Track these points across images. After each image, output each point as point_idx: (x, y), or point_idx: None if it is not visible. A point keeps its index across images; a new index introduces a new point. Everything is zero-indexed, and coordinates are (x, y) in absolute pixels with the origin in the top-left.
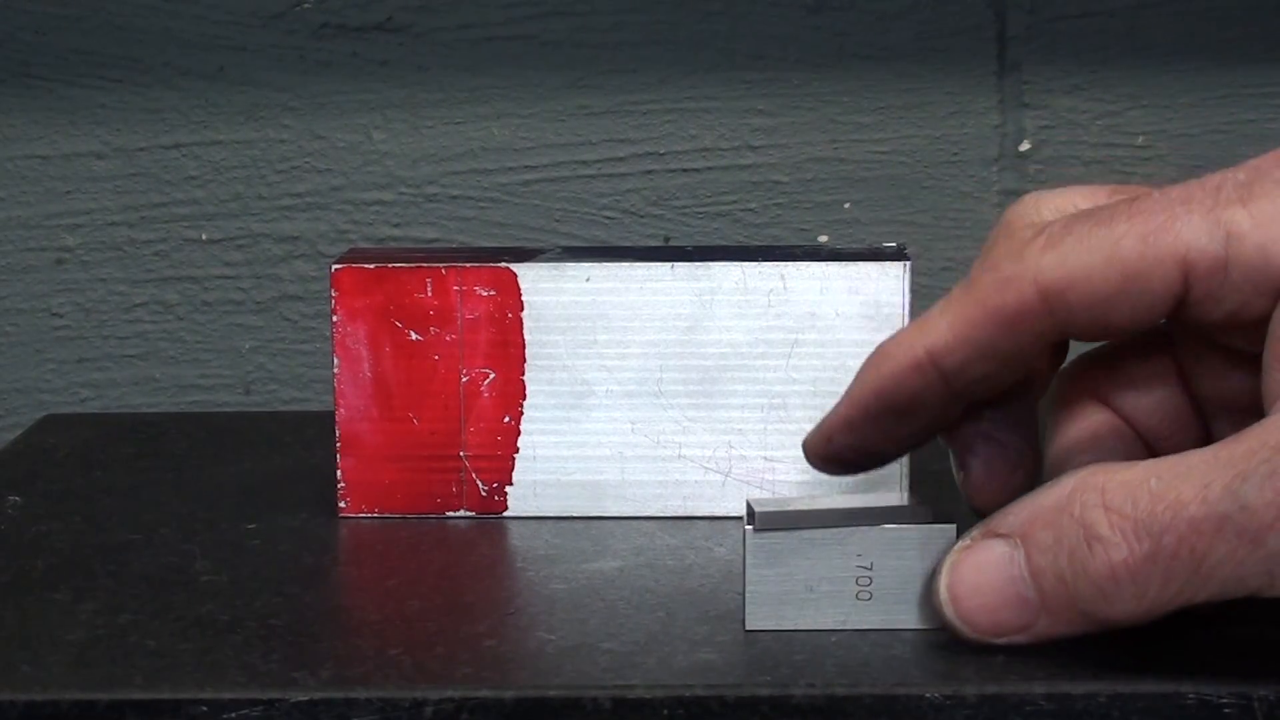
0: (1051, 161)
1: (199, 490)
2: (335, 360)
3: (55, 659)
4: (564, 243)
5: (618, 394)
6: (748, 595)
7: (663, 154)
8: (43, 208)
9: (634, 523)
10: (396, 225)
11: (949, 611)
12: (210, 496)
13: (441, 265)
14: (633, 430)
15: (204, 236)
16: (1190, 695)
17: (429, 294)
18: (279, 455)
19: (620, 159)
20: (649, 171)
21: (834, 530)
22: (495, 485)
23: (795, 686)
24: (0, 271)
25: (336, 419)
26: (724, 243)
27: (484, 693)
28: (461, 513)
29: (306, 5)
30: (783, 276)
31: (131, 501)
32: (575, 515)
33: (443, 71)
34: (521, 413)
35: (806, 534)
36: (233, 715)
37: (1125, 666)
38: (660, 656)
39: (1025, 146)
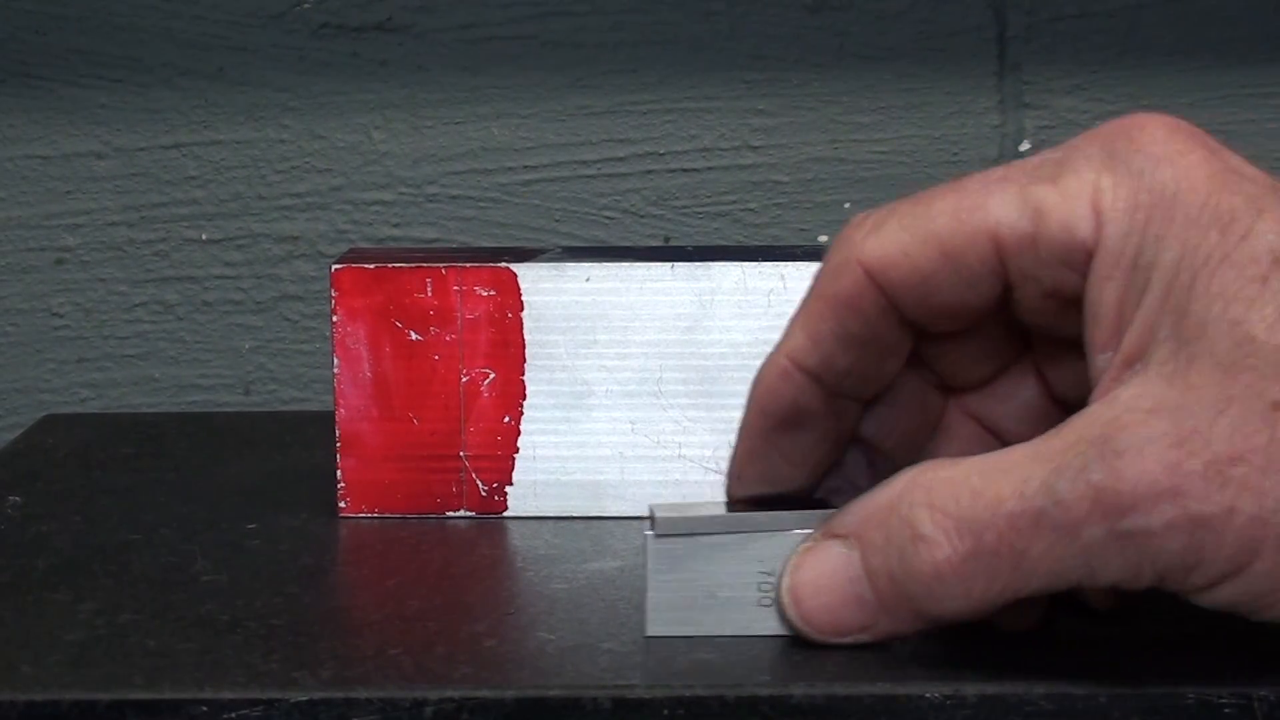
0: None
1: (199, 490)
2: (335, 360)
3: (55, 659)
4: (564, 243)
5: (618, 394)
6: (649, 601)
7: (663, 154)
8: (43, 208)
9: (634, 523)
10: (396, 225)
11: (791, 612)
12: (210, 496)
13: (441, 265)
14: (633, 430)
15: (204, 236)
16: (1190, 695)
17: (429, 294)
18: (279, 455)
19: (620, 159)
20: (649, 171)
21: (734, 536)
22: (495, 485)
23: (795, 686)
24: (0, 271)
25: (336, 419)
26: (724, 243)
27: (484, 693)
28: (461, 513)
29: (306, 5)
30: (783, 276)
31: (131, 501)
32: (575, 515)
33: (443, 71)
34: (521, 413)
35: (707, 540)
36: (233, 715)
37: (1125, 666)
38: (660, 656)
39: (1025, 146)
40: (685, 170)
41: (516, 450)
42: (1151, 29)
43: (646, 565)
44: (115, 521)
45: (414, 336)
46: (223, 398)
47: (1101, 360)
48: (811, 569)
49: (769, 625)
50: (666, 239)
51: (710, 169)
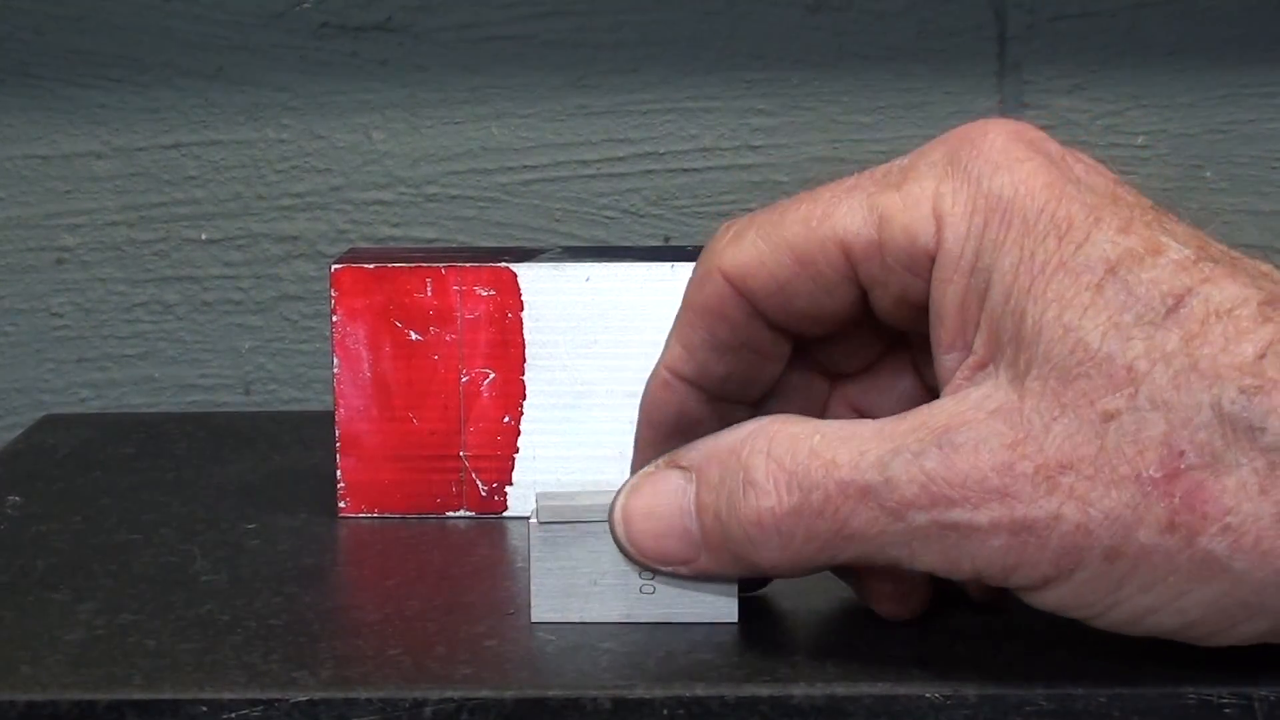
0: None
1: (199, 490)
2: (335, 360)
3: (55, 659)
4: (564, 243)
5: (618, 394)
6: (533, 588)
7: (663, 154)
8: (43, 208)
9: None
10: (396, 225)
11: (619, 531)
12: (210, 496)
13: (441, 265)
14: (633, 430)
15: (204, 236)
16: (1190, 695)
17: (429, 294)
18: (279, 455)
19: (620, 159)
20: (649, 171)
21: None
22: (495, 485)
23: (795, 686)
24: (0, 271)
25: (336, 419)
26: None
27: (484, 693)
28: (461, 513)
29: (306, 5)
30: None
31: (131, 501)
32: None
33: (443, 71)
34: (521, 413)
35: (589, 527)
36: (233, 715)
37: (1125, 666)
38: (660, 656)
39: None
40: (685, 170)
41: (516, 450)
42: (1151, 29)
43: (530, 553)
44: (115, 521)
45: (414, 336)
46: (223, 398)
47: (947, 360)
48: (647, 494)
49: (650, 611)
50: (666, 239)
51: (710, 169)
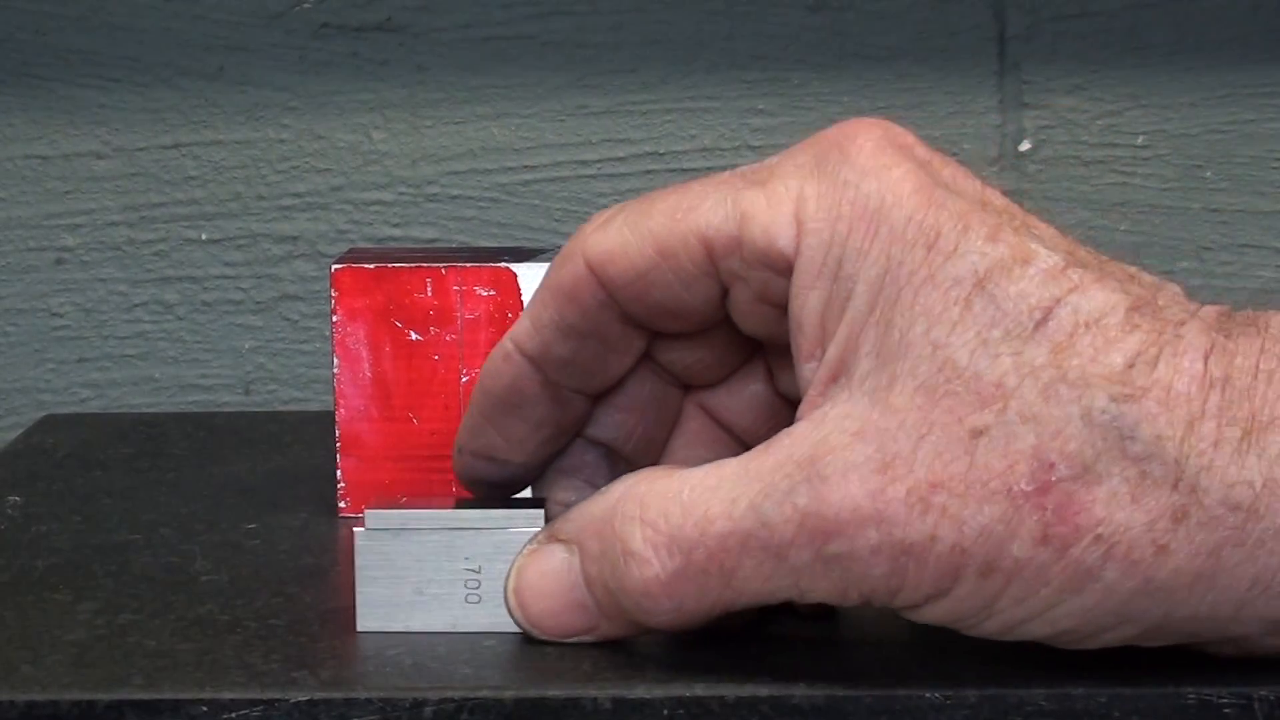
0: (1051, 161)
1: (199, 490)
2: (335, 360)
3: (55, 659)
4: (564, 242)
5: None
6: (358, 597)
7: (663, 154)
8: (43, 208)
9: None
10: (396, 225)
11: (518, 614)
12: (210, 496)
13: (441, 265)
14: None
15: (204, 236)
16: (1190, 695)
17: (429, 294)
18: (279, 455)
19: (620, 159)
20: (649, 171)
21: (441, 533)
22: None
23: (795, 686)
24: (0, 271)
25: (336, 419)
26: None
27: (484, 693)
28: None
29: (306, 5)
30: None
31: (131, 501)
32: None
33: (443, 71)
34: None
35: (414, 536)
36: (233, 715)
37: (1125, 666)
38: (660, 656)
39: (1025, 146)
40: (685, 170)
41: None
42: (1151, 29)
43: (355, 561)
44: (115, 521)
45: (414, 336)
46: (223, 398)
47: (808, 370)
48: (535, 572)
49: (476, 621)
50: None
51: (710, 169)
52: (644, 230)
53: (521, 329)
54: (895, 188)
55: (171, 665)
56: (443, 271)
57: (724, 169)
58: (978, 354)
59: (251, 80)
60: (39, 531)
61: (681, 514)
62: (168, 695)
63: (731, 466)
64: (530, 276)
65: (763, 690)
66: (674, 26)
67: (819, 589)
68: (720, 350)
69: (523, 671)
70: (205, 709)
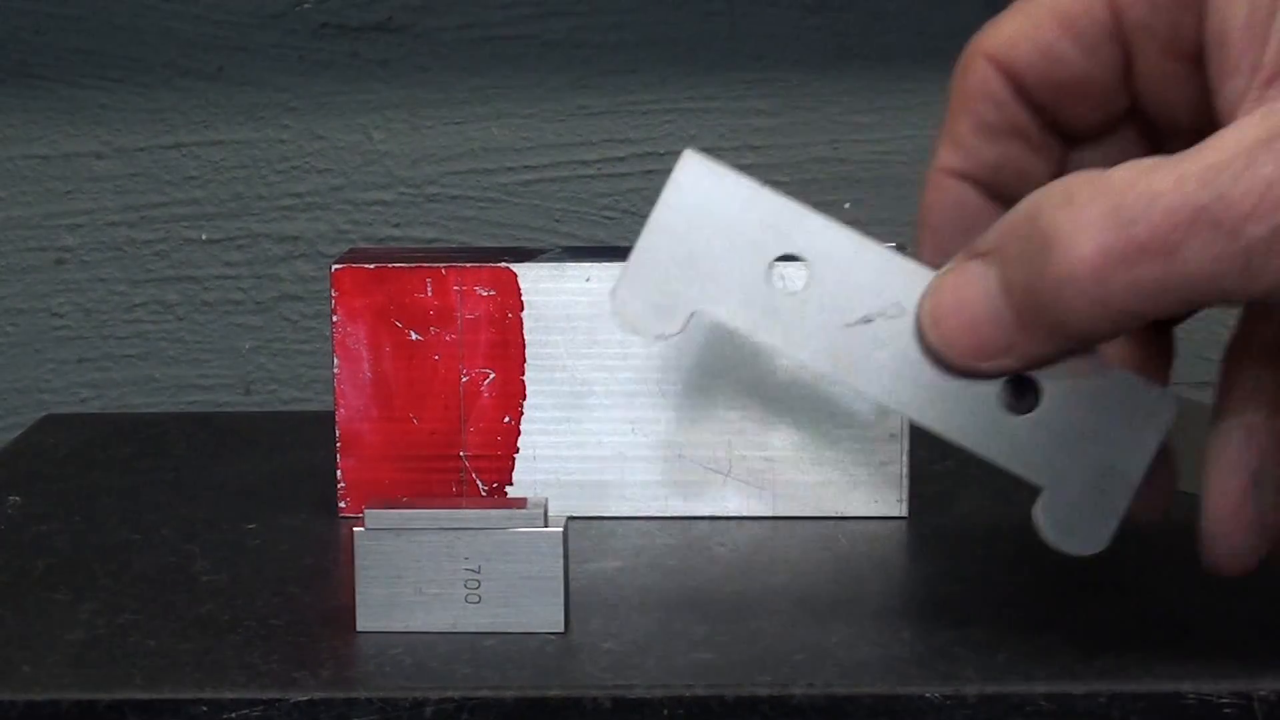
0: None
1: (199, 490)
2: (335, 360)
3: (55, 659)
4: (564, 243)
5: (618, 394)
6: (358, 597)
7: (663, 154)
8: (43, 208)
9: (634, 523)
10: (396, 225)
11: (931, 335)
12: (210, 496)
13: (441, 265)
14: (633, 430)
15: (204, 236)
16: (1190, 695)
17: (429, 294)
18: (279, 455)
19: (620, 159)
20: (649, 171)
21: (441, 533)
22: (495, 485)
23: (795, 686)
24: (0, 271)
25: (336, 419)
26: None
27: (484, 693)
28: None
29: (306, 5)
30: (782, 276)
31: (131, 501)
32: (575, 515)
33: (443, 71)
34: (521, 413)
35: (415, 536)
36: (233, 715)
37: (1125, 666)
38: (660, 656)
39: None
40: None
41: (516, 450)
42: None
43: (355, 561)
44: (115, 521)
45: (414, 336)
46: (223, 398)
47: (1232, 88)
48: (951, 290)
49: (476, 621)
50: None
51: None
52: (1040, 9)
53: (942, 153)
54: None
55: (171, 665)
56: (443, 271)
57: None
58: None
59: (251, 80)
60: (39, 531)
61: (1118, 191)
62: (168, 695)
63: (1164, 157)
64: (530, 276)
65: (763, 690)
66: (674, 26)
67: (1271, 270)
68: (1131, 150)
69: (523, 671)
70: (205, 709)
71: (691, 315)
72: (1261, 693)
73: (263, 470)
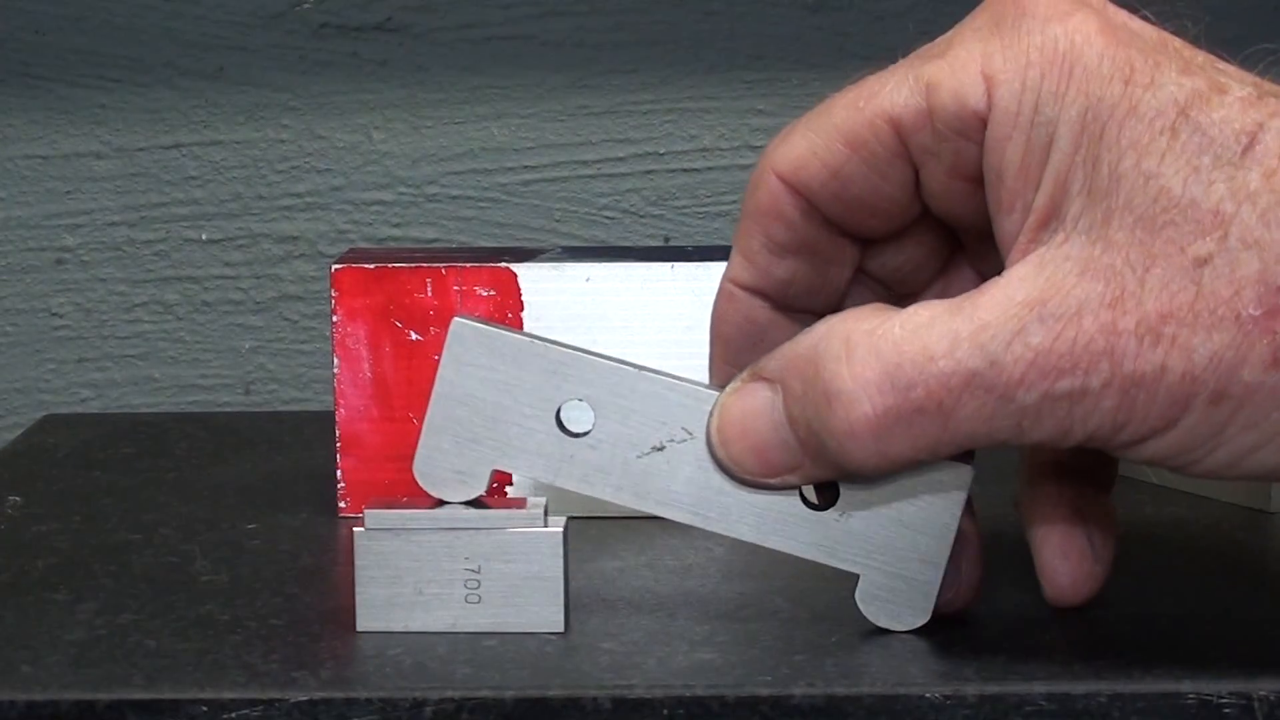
0: None
1: (199, 490)
2: (335, 360)
3: (55, 659)
4: (564, 243)
5: None
6: (358, 597)
7: (663, 154)
8: (43, 208)
9: (634, 523)
10: (396, 225)
11: (719, 453)
12: (210, 496)
13: (441, 265)
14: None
15: (204, 236)
16: (1190, 695)
17: (429, 294)
18: (279, 455)
19: (620, 159)
20: (649, 171)
21: (441, 533)
22: (495, 485)
23: (795, 686)
24: (0, 271)
25: (336, 419)
26: (724, 243)
27: (484, 693)
28: None
29: (306, 5)
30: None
31: (131, 501)
32: (575, 515)
33: (443, 71)
34: None
35: (414, 536)
36: (233, 715)
37: (1125, 666)
38: (660, 656)
39: None
40: (685, 170)
41: None
42: None
43: (355, 561)
44: (115, 521)
45: (414, 336)
46: (223, 398)
47: (1010, 222)
48: (738, 410)
49: (476, 621)
50: (666, 239)
51: (710, 169)
52: (828, 129)
53: (734, 265)
54: (1081, 29)
55: (171, 665)
56: (443, 271)
57: (724, 169)
58: (1191, 182)
59: (251, 80)
60: (39, 531)
61: (895, 352)
62: (168, 695)
63: (942, 307)
64: (530, 276)
65: (763, 690)
66: (674, 26)
67: (1040, 430)
68: (926, 246)
69: (523, 671)
70: (205, 709)
71: (493, 473)
72: (1261, 693)
73: (263, 470)
